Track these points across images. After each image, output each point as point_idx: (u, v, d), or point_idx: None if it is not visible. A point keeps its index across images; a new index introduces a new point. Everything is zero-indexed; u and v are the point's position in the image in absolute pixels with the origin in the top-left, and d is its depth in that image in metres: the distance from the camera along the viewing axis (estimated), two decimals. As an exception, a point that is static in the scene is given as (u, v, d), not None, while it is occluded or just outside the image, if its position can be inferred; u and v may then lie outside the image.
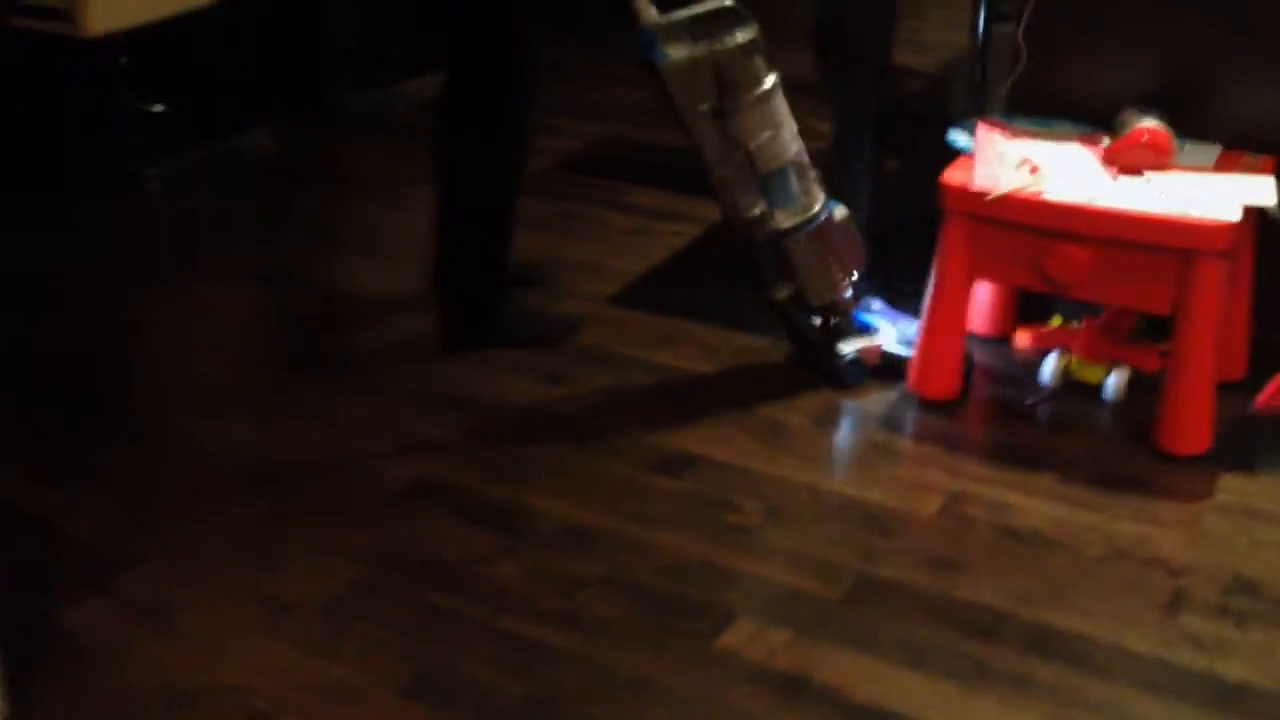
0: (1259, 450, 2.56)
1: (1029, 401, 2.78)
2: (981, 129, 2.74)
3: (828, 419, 2.72)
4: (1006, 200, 2.53)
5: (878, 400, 2.77)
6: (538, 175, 3.19)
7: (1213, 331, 2.49)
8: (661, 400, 2.79)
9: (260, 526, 2.44)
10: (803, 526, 2.40)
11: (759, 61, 2.56)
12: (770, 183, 2.63)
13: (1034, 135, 2.74)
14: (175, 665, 2.10)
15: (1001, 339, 2.95)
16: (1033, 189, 2.53)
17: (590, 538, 2.38)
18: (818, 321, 2.78)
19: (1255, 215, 2.53)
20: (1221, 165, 2.64)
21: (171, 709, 2.01)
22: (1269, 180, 2.55)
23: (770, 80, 2.58)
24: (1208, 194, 2.49)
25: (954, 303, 2.67)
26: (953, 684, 2.03)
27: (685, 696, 2.02)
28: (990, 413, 2.75)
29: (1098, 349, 2.76)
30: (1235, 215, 2.43)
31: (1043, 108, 2.86)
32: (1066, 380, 2.79)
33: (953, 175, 2.63)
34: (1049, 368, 2.79)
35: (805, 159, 2.66)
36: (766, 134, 2.59)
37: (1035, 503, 2.43)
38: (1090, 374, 2.77)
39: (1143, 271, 2.49)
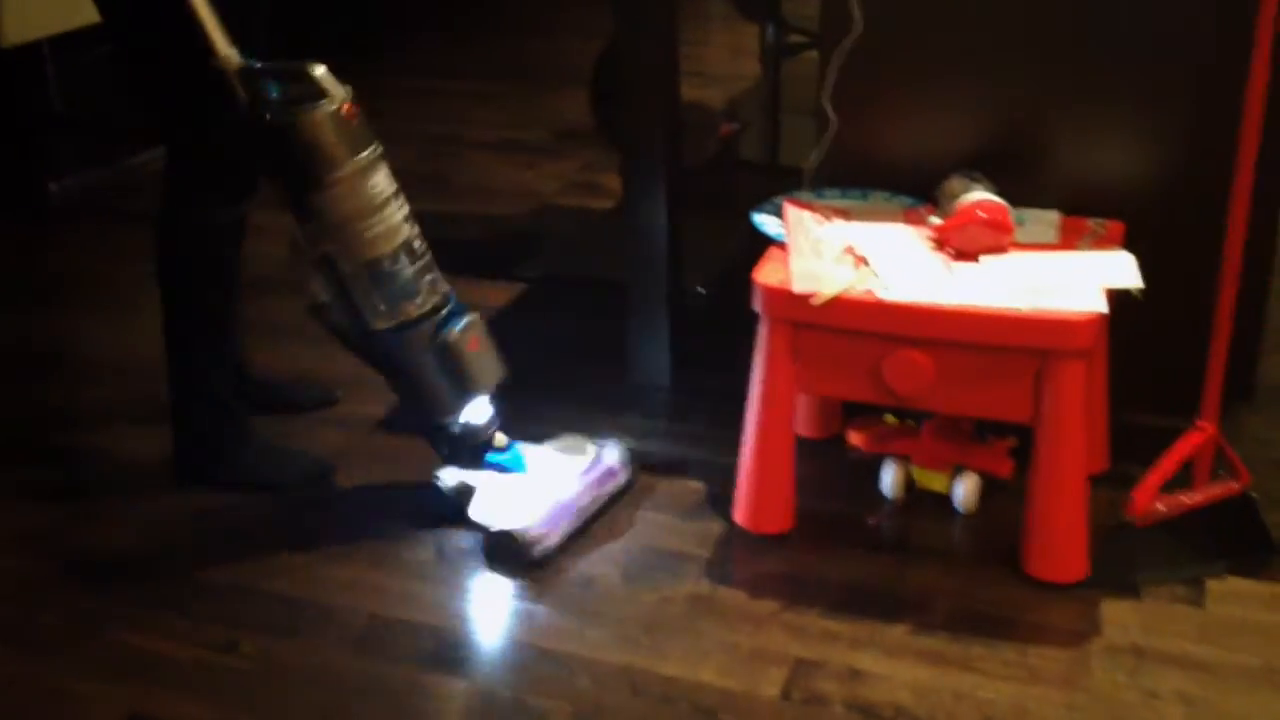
0: (1140, 567, 2.20)
1: (871, 521, 2.39)
2: (790, 211, 2.33)
3: (640, 573, 2.27)
4: (834, 304, 2.12)
5: (698, 536, 2.34)
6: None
7: (1080, 438, 2.12)
8: (434, 562, 2.31)
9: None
10: (620, 730, 1.95)
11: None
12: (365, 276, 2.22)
13: (850, 214, 2.34)
14: None
15: (829, 439, 2.56)
16: (862, 287, 2.13)
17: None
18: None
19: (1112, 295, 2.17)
20: (1066, 237, 2.29)
21: None
22: (1126, 257, 2.20)
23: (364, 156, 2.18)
24: (1062, 279, 2.12)
25: (780, 421, 2.24)
26: None
27: None
28: (830, 542, 2.33)
29: (939, 454, 2.38)
30: (1099, 305, 2.07)
31: (855, 177, 2.48)
32: (910, 491, 2.41)
33: (767, 274, 2.20)
34: (887, 479, 2.40)
35: (417, 249, 2.25)
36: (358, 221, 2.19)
37: (893, 666, 2.02)
38: (935, 482, 2.39)
39: (996, 376, 2.11)
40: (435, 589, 2.25)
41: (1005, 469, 2.34)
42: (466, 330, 2.24)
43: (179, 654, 2.11)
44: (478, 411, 2.32)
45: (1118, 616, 2.11)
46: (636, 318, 2.79)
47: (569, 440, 2.46)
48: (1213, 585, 2.17)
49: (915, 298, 2.10)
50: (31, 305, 3.41)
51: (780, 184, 2.51)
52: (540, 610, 2.18)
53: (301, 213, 2.17)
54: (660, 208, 2.71)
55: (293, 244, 2.22)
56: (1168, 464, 2.21)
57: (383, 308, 2.21)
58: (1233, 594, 2.16)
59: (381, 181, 2.18)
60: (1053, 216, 2.33)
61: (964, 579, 2.23)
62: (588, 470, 2.38)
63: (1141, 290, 2.15)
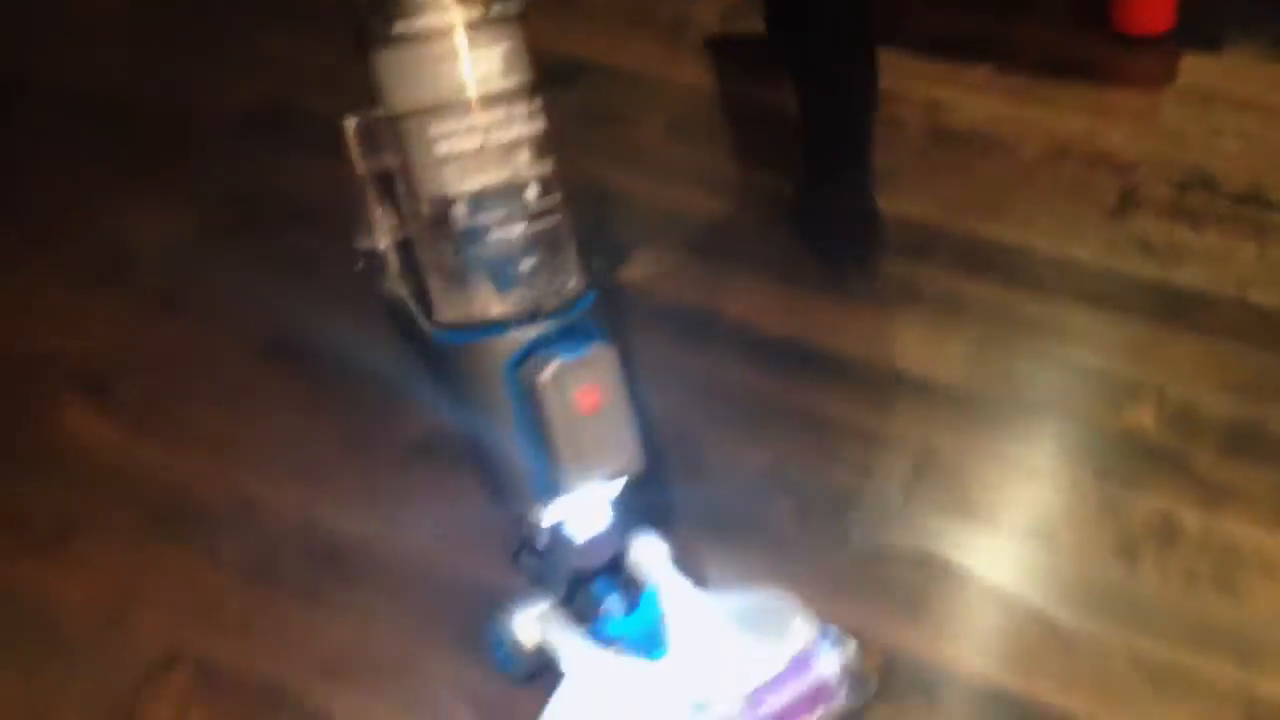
0: (1227, 24, 2.25)
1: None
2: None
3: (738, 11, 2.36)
4: None
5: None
6: None
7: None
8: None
9: (91, 163, 2.12)
10: (706, 141, 2.11)
11: None
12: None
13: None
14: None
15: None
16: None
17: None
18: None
19: None
20: None
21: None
22: None
23: None
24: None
25: None
26: (874, 308, 1.81)
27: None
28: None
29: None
30: None
31: None
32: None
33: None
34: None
35: (532, 201, 1.27)
36: None
37: (973, 99, 2.14)
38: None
39: None
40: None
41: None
42: (577, 370, 1.24)
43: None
44: (586, 514, 1.33)
45: (1196, 67, 2.19)
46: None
47: (766, 601, 1.35)
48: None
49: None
50: None
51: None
52: (637, 41, 2.31)
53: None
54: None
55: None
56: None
57: (446, 287, 1.28)
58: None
59: (494, 61, 1.24)
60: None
61: (1052, 32, 2.30)
62: (782, 678, 1.28)
63: None
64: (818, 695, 1.28)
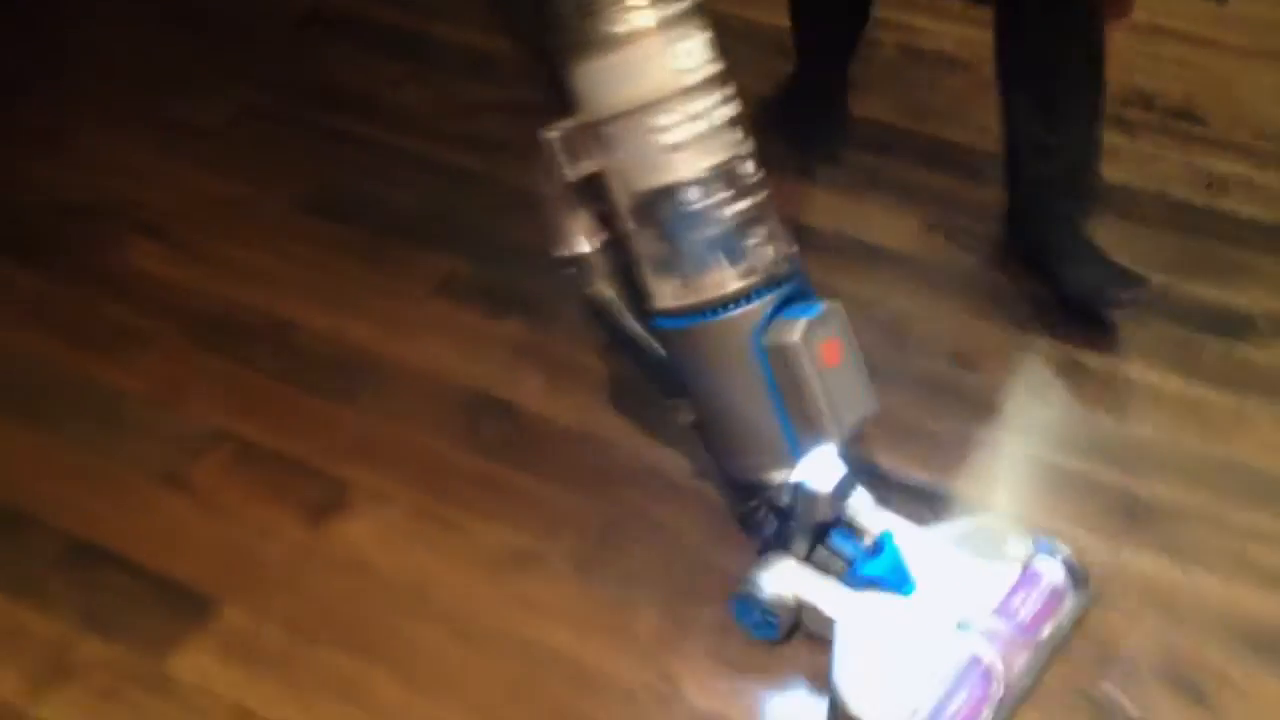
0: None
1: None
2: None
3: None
4: None
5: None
6: None
7: None
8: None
9: (161, 50, 2.40)
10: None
11: None
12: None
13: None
14: (66, 183, 2.11)
15: None
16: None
17: (493, 63, 2.34)
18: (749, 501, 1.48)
19: None
20: None
21: (61, 220, 2.04)
22: None
23: None
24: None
25: None
26: (842, 192, 2.05)
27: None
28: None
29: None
30: None
31: None
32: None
33: None
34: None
35: (745, 177, 1.36)
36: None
37: (944, 26, 2.39)
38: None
39: None
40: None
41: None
42: (818, 327, 1.33)
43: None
44: (822, 470, 1.40)
45: (1145, 3, 2.40)
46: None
47: (978, 525, 1.51)
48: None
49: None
50: None
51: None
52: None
53: (557, 92, 1.34)
54: None
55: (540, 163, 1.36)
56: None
57: (668, 275, 1.36)
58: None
59: (696, 50, 1.32)
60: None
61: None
62: (1017, 590, 1.39)
63: None
64: (1051, 600, 1.38)
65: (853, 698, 1.29)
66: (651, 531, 1.55)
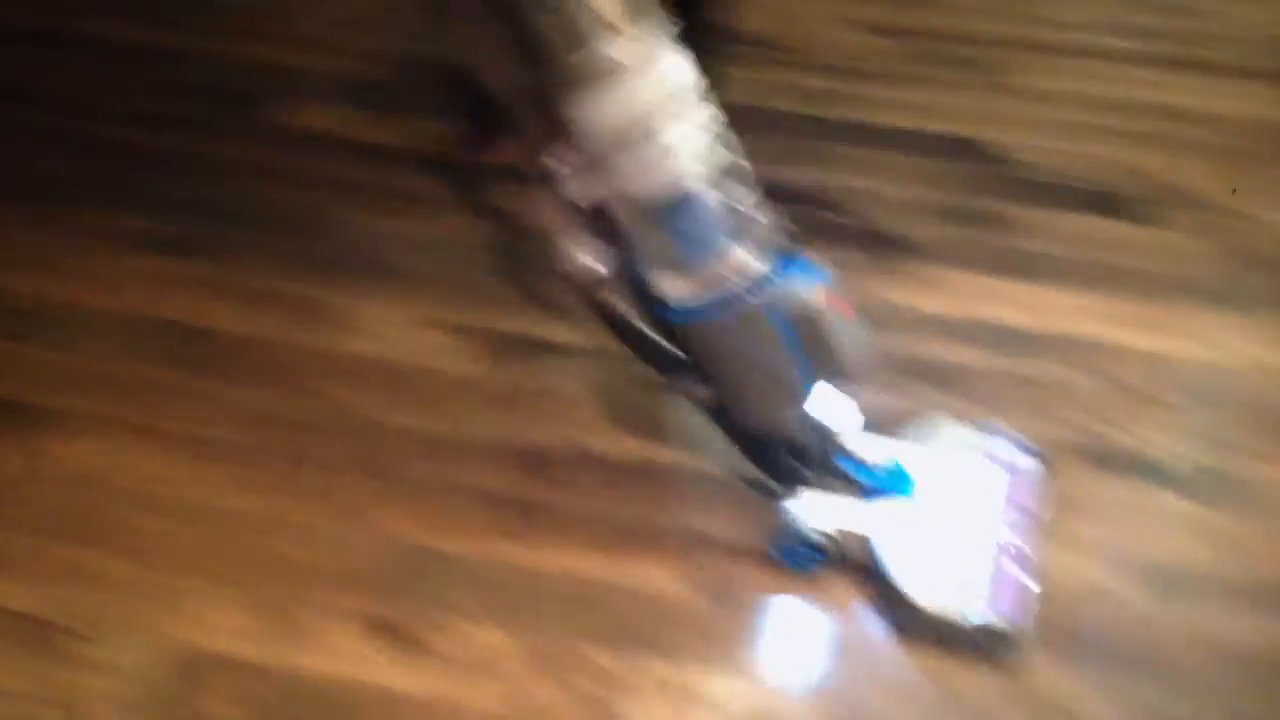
0: None
1: None
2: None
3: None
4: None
5: None
6: None
7: None
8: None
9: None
10: None
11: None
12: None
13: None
14: None
15: None
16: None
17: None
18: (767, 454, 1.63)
19: None
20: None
21: None
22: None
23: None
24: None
25: None
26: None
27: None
28: None
29: None
30: None
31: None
32: None
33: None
34: None
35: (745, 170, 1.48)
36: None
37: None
38: None
39: None
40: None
41: None
42: (831, 287, 1.49)
43: None
44: (828, 405, 1.56)
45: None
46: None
47: (937, 428, 1.71)
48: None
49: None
50: None
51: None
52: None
53: (554, 123, 1.42)
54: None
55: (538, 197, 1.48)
56: None
57: (685, 270, 1.46)
58: None
59: (691, 66, 1.43)
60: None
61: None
62: (1010, 485, 1.64)
63: None
64: (1033, 491, 1.61)
65: (922, 595, 1.49)
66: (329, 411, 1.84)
